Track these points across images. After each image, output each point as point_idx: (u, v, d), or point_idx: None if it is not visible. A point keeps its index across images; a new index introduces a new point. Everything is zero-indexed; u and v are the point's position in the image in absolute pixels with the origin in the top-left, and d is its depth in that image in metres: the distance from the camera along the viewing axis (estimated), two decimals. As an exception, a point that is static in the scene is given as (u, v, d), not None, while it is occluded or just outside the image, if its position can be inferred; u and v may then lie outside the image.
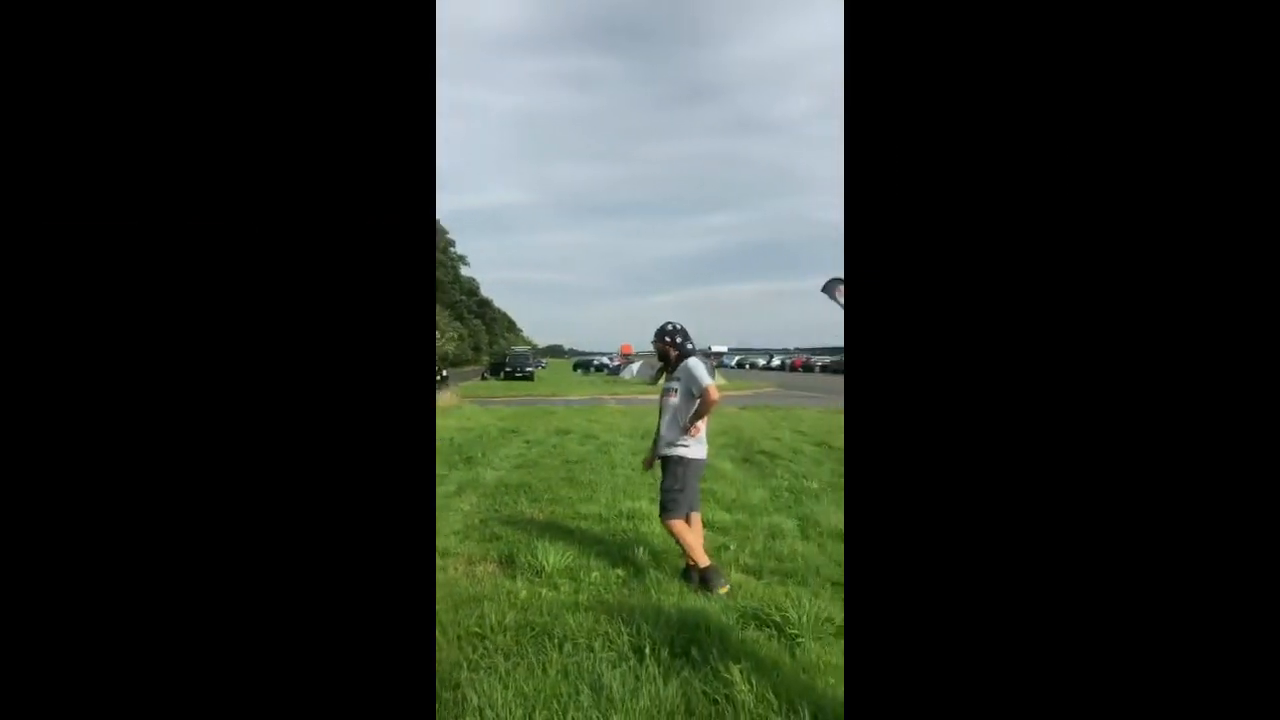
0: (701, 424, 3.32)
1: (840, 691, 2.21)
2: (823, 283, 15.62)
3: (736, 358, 61.93)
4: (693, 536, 3.32)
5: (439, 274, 53.18)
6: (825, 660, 2.41)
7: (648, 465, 3.73)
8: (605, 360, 41.13)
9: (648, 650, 2.40)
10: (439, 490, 5.46)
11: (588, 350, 71.28)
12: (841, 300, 15.29)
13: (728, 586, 3.17)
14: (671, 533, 3.32)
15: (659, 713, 2.06)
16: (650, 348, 3.68)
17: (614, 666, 2.32)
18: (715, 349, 61.24)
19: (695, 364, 3.35)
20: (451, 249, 59.04)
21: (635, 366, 28.87)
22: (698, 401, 3.28)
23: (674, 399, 3.40)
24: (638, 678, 2.24)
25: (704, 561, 3.26)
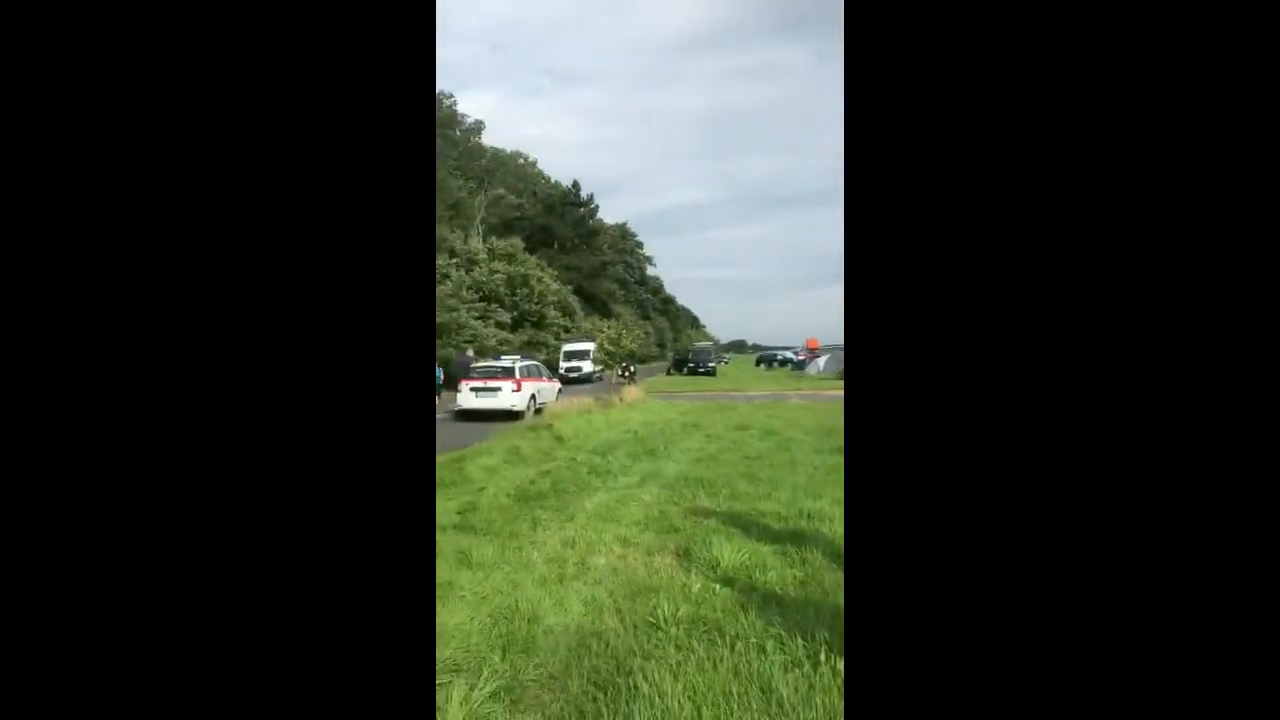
0: None
1: None
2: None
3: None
4: None
5: (626, 274, 55.74)
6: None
7: None
8: (790, 355, 39.91)
9: (823, 658, 2.29)
10: (623, 481, 5.71)
11: (771, 345, 69.79)
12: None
13: None
14: None
15: (833, 725, 1.96)
16: (838, 342, 3.52)
17: (787, 671, 2.25)
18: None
19: None
20: (639, 250, 61.82)
21: (822, 361, 27.48)
22: None
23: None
24: (811, 685, 2.15)
25: None
